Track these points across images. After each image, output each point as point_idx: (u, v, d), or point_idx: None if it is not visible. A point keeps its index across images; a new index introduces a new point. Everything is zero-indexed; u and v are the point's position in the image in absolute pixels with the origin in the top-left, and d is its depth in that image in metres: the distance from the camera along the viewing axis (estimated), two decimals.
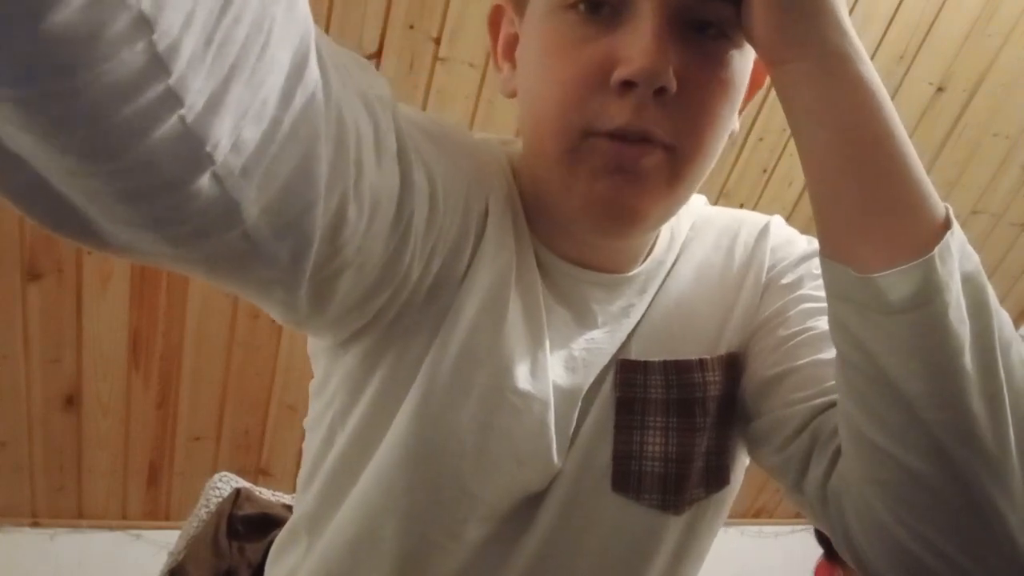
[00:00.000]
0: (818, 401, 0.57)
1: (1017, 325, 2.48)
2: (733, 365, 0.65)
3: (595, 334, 0.63)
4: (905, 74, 1.90)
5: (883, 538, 0.50)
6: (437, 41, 1.58)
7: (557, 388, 0.60)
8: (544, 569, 0.63)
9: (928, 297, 0.44)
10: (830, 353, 0.55)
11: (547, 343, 0.60)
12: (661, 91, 0.49)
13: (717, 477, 0.65)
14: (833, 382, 0.55)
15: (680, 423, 0.62)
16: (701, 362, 0.63)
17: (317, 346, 0.64)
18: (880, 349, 0.46)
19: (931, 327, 0.44)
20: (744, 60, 0.54)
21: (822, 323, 0.60)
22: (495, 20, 0.62)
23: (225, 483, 1.07)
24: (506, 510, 0.62)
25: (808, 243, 0.70)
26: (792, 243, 0.69)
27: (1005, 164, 2.12)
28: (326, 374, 0.63)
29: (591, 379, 0.62)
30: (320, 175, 0.36)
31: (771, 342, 0.63)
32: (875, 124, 0.47)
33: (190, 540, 0.99)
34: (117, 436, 1.84)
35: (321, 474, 0.64)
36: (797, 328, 0.62)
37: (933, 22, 1.84)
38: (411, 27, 1.56)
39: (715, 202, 0.74)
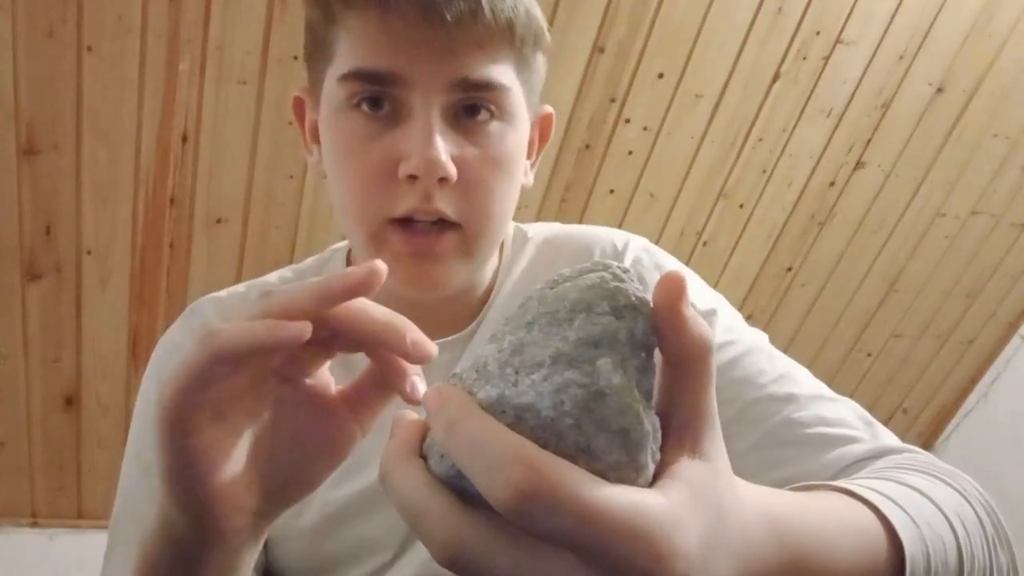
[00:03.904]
0: None
1: (1016, 325, 2.49)
2: None
3: None
4: (905, 74, 1.90)
5: None
6: None
7: None
8: None
9: None
10: None
11: None
12: (443, 180, 0.57)
13: None
14: None
15: None
16: None
17: None
18: None
19: None
20: (516, 130, 0.62)
21: None
22: (299, 110, 0.69)
23: None
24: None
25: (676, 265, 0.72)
26: (661, 267, 0.71)
27: (1005, 165, 2.11)
28: None
29: None
30: None
31: None
32: None
33: None
34: (117, 436, 1.84)
35: None
36: None
37: (933, 22, 1.83)
38: None
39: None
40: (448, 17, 0.55)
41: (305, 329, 0.34)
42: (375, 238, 0.60)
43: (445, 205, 0.58)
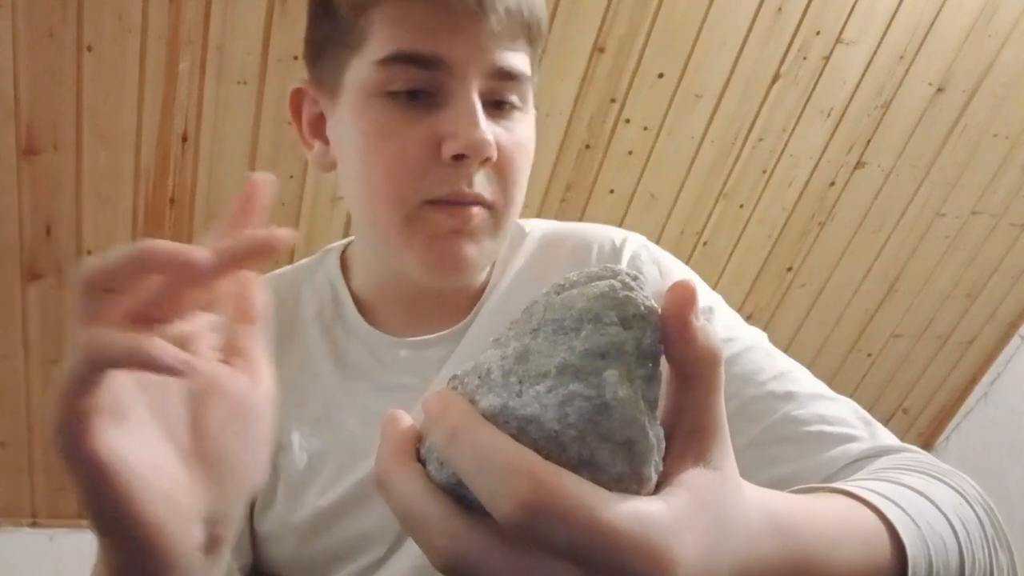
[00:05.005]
0: None
1: (1017, 325, 2.49)
2: None
3: None
4: (905, 74, 1.90)
5: None
6: None
7: None
8: None
9: None
10: None
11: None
12: (486, 160, 0.58)
13: None
14: None
15: None
16: None
17: None
18: None
19: None
20: (531, 121, 0.65)
21: None
22: (296, 103, 0.68)
23: None
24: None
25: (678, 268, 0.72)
26: (659, 263, 0.71)
27: (1005, 164, 2.12)
28: None
29: None
30: None
31: None
32: None
33: None
34: None
35: None
36: None
37: (933, 22, 1.84)
38: None
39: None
40: (486, 7, 0.58)
41: (178, 359, 0.30)
42: (411, 220, 0.60)
43: (482, 188, 0.60)
